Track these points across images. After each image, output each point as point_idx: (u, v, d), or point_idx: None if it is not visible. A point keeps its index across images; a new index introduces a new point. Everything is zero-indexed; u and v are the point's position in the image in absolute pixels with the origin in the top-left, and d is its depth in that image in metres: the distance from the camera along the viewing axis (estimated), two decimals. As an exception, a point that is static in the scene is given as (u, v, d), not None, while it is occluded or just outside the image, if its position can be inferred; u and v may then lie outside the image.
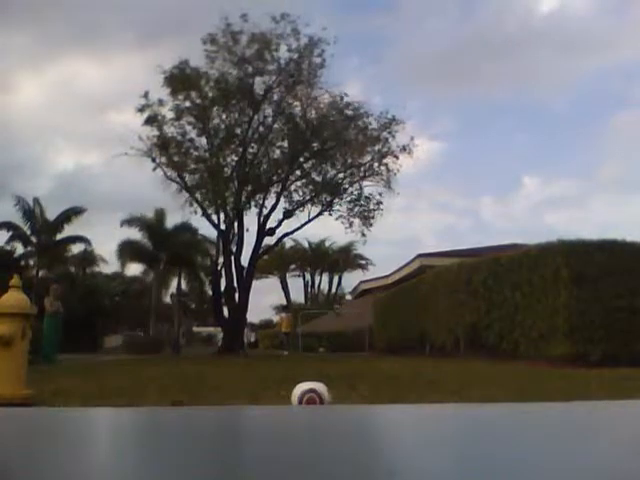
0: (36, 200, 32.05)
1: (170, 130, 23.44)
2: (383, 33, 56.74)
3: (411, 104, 58.17)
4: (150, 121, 23.02)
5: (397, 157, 23.70)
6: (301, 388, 2.76)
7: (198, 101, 23.08)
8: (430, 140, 72.85)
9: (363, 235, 24.60)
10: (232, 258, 23.83)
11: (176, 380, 8.37)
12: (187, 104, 23.17)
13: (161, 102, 22.91)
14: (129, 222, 34.17)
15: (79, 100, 59.79)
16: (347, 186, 24.74)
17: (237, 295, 24.03)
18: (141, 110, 22.89)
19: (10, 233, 32.12)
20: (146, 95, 22.93)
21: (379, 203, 24.23)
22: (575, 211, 71.64)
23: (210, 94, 23.05)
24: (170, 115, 23.17)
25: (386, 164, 23.82)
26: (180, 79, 22.62)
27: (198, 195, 23.71)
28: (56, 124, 59.89)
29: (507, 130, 68.28)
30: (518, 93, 66.54)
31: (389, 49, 65.65)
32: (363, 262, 50.18)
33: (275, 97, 23.81)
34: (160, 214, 34.56)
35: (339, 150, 23.98)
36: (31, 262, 33.17)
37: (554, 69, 63.16)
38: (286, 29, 22.54)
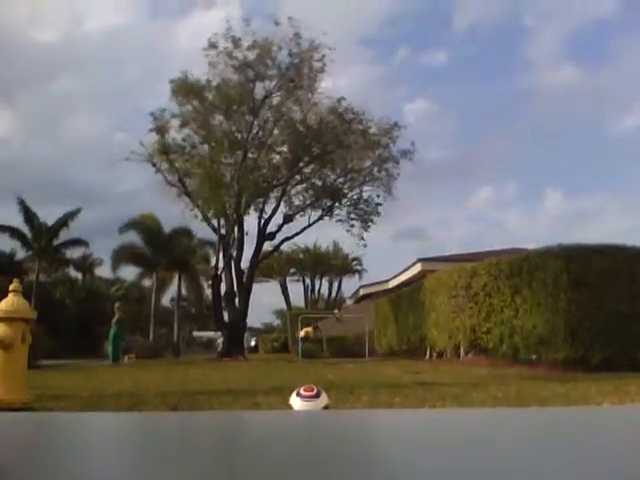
0: (24, 201, 31.87)
1: (173, 136, 23.68)
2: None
3: (415, 111, 58.31)
4: (157, 130, 23.36)
5: (398, 162, 23.67)
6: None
7: (201, 109, 23.22)
8: (434, 146, 73.10)
9: (362, 239, 24.56)
10: (232, 262, 23.80)
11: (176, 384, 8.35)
12: (189, 107, 23.34)
13: (174, 115, 23.34)
14: (127, 226, 34.14)
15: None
16: (347, 191, 24.72)
17: (237, 299, 23.97)
18: (156, 124, 23.38)
19: (11, 237, 32.10)
20: (162, 111, 23.45)
21: (378, 204, 24.21)
22: (575, 216, 71.59)
23: (213, 101, 23.15)
24: (176, 123, 23.47)
25: (387, 169, 23.79)
26: (184, 88, 22.88)
27: (199, 201, 23.78)
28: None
29: (506, 137, 68.26)
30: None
31: (391, 56, 65.80)
32: (360, 268, 50.23)
33: (275, 102, 23.82)
34: (158, 219, 34.52)
35: (339, 155, 23.95)
36: (31, 266, 33.13)
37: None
38: (288, 33, 22.56)
